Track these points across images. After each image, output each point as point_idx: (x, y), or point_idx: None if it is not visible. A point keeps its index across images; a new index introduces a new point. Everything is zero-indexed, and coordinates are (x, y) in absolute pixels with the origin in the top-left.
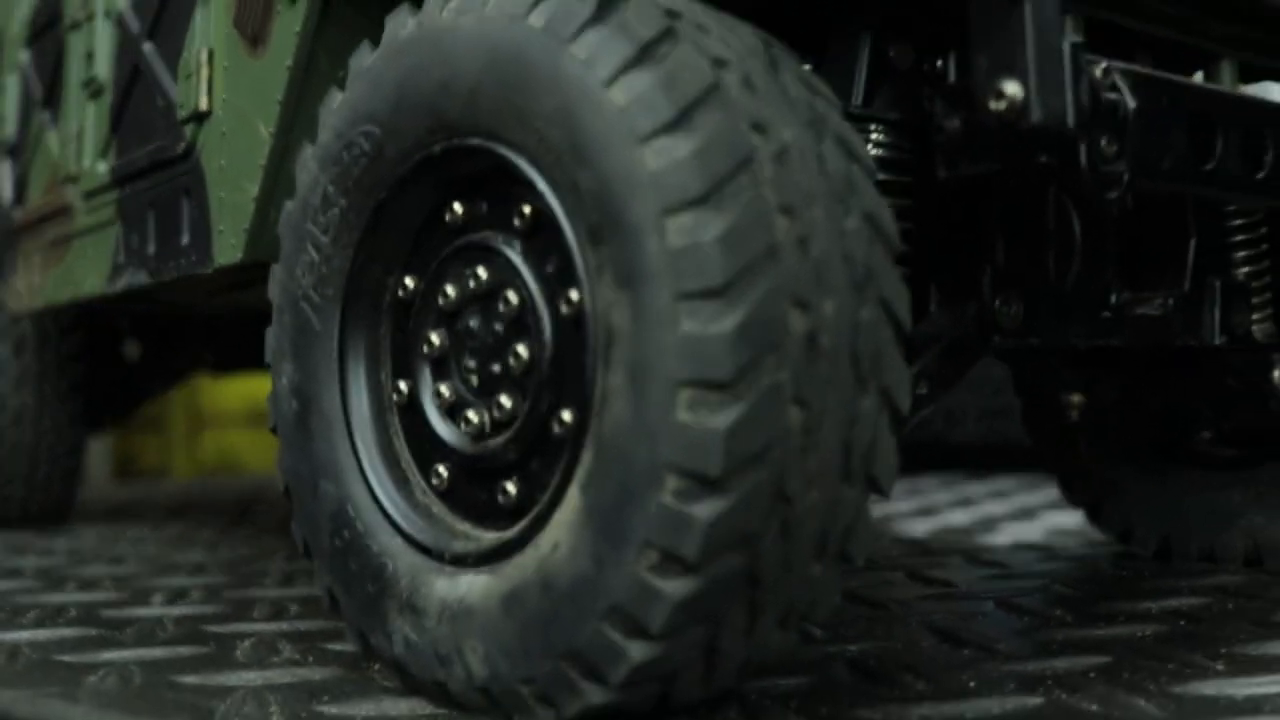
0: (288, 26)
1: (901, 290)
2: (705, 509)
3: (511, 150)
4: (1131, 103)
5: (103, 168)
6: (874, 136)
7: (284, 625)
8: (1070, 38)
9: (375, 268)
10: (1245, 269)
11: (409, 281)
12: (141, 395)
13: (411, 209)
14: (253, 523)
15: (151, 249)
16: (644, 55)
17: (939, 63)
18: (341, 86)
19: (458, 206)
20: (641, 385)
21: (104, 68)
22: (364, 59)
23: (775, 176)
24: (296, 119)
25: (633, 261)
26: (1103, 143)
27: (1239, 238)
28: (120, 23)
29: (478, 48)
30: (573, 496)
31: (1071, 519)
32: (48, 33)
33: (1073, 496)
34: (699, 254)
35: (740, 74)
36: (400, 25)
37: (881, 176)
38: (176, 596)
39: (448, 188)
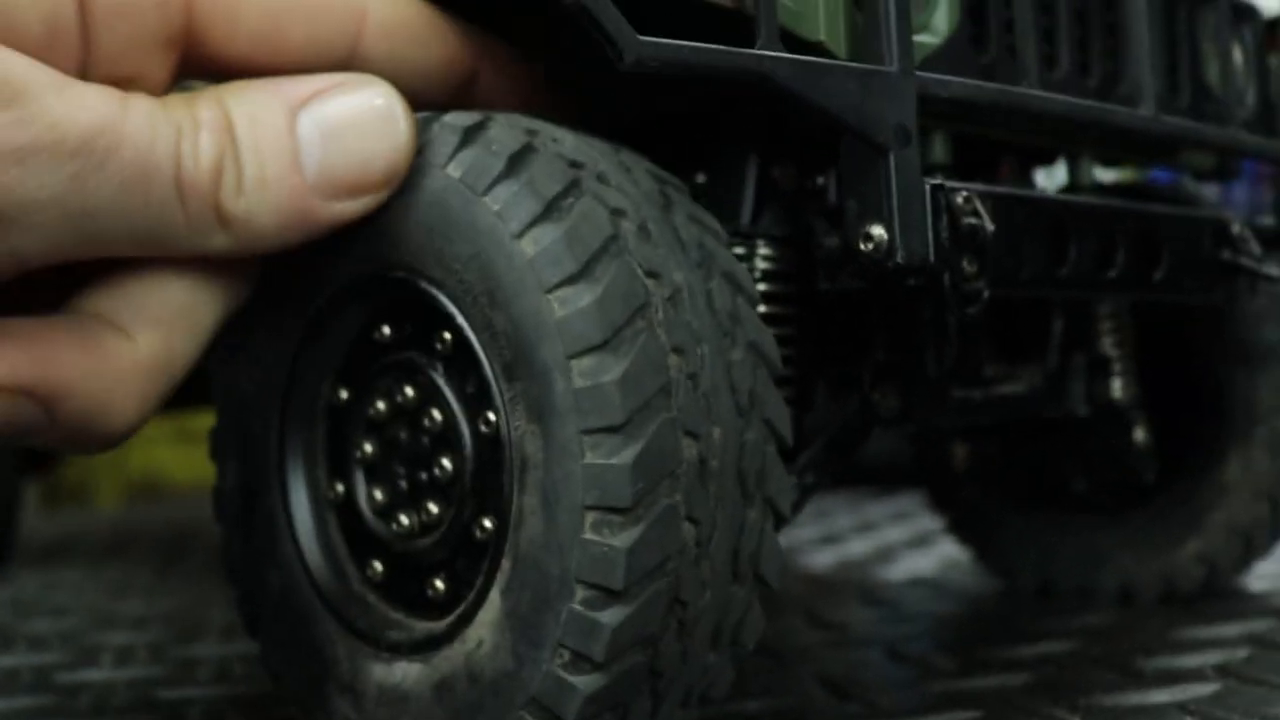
0: None
1: (782, 410)
2: (610, 616)
3: (433, 286)
4: (990, 226)
5: None
6: (761, 252)
7: (230, 689)
8: (930, 181)
9: (311, 376)
10: (1108, 342)
11: (343, 392)
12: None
13: (344, 325)
14: (187, 562)
15: None
16: (550, 210)
17: (820, 181)
18: None
19: (386, 327)
20: (552, 507)
21: None
22: None
23: (668, 319)
24: None
25: (542, 398)
26: (964, 265)
27: (1103, 314)
28: None
29: (403, 189)
30: (494, 599)
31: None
32: None
33: (961, 538)
34: (600, 394)
35: (636, 222)
36: None
37: (769, 288)
38: (124, 657)
39: (377, 310)
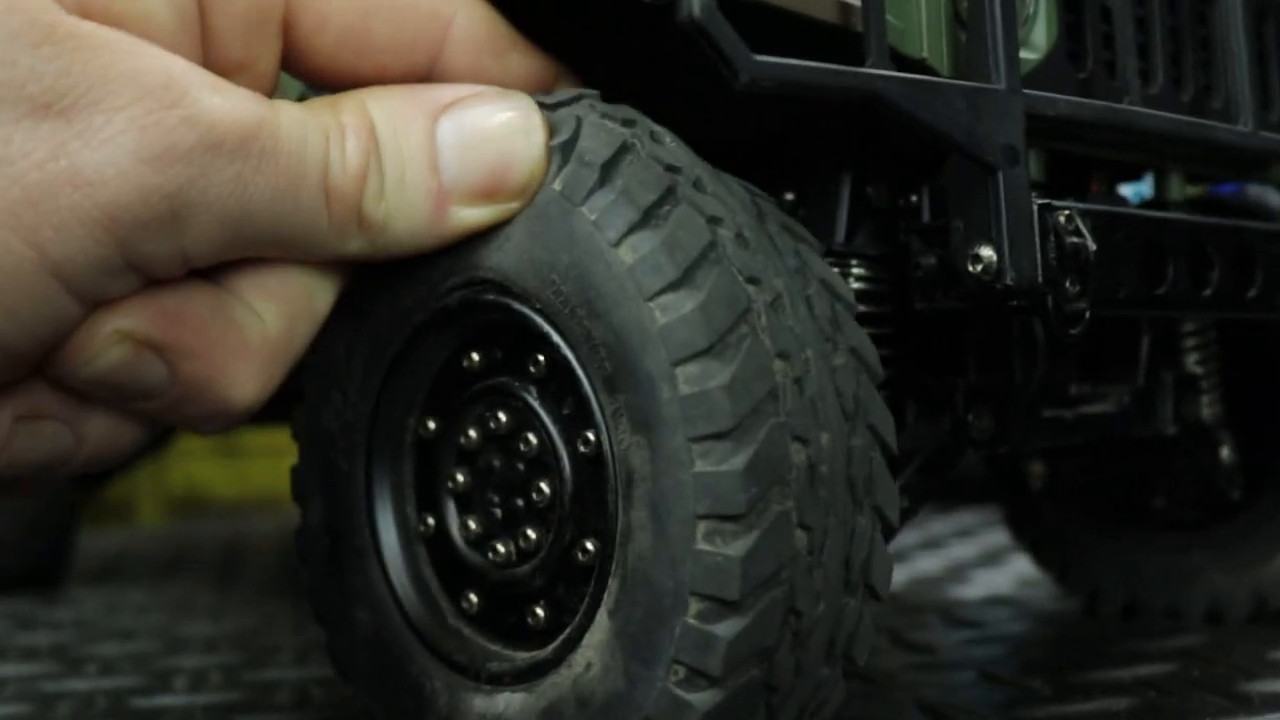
0: None
1: (887, 416)
2: (726, 628)
3: (527, 303)
4: (1093, 246)
5: None
6: (855, 271)
7: (312, 715)
8: (1038, 200)
9: (397, 412)
10: (1195, 360)
11: (431, 423)
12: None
13: (430, 354)
14: (244, 581)
15: None
16: (647, 217)
17: (914, 199)
18: None
19: (475, 354)
20: (663, 520)
21: None
22: None
23: (770, 324)
24: None
25: (648, 408)
26: (1067, 285)
27: (1189, 332)
28: None
29: None
30: (602, 620)
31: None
32: None
33: (1041, 561)
34: (708, 401)
35: (733, 229)
36: None
37: (863, 308)
38: (198, 682)
39: (465, 337)
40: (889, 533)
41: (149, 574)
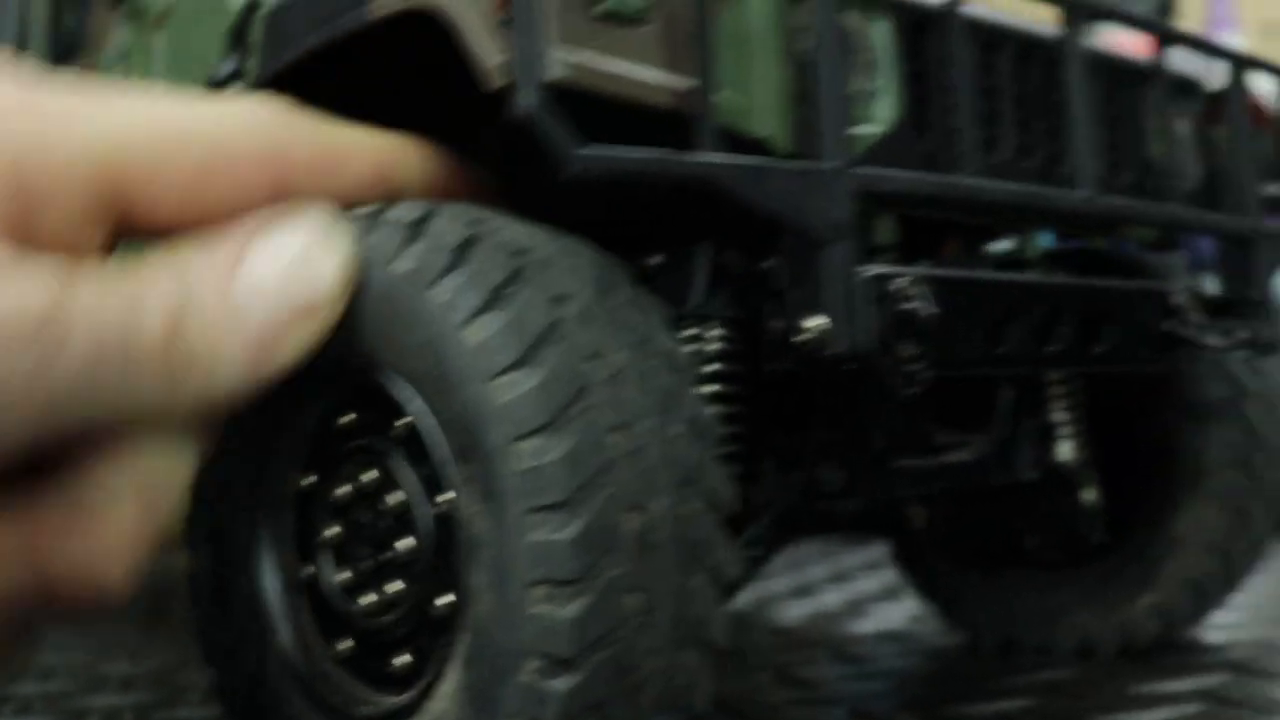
0: None
1: (723, 480)
2: (561, 684)
3: (388, 374)
4: (932, 310)
5: None
6: (712, 333)
7: None
8: (869, 271)
9: (279, 466)
10: (1059, 408)
11: (310, 477)
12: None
13: (308, 414)
14: (172, 618)
15: None
16: (493, 300)
17: (767, 265)
18: None
19: (348, 415)
20: (504, 583)
21: None
22: None
23: (608, 399)
24: None
25: (491, 480)
26: (904, 348)
27: (1053, 381)
28: None
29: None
30: (453, 672)
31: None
32: None
33: (925, 595)
34: (544, 474)
35: (578, 307)
36: None
37: (719, 368)
38: None
39: (338, 398)
40: (726, 590)
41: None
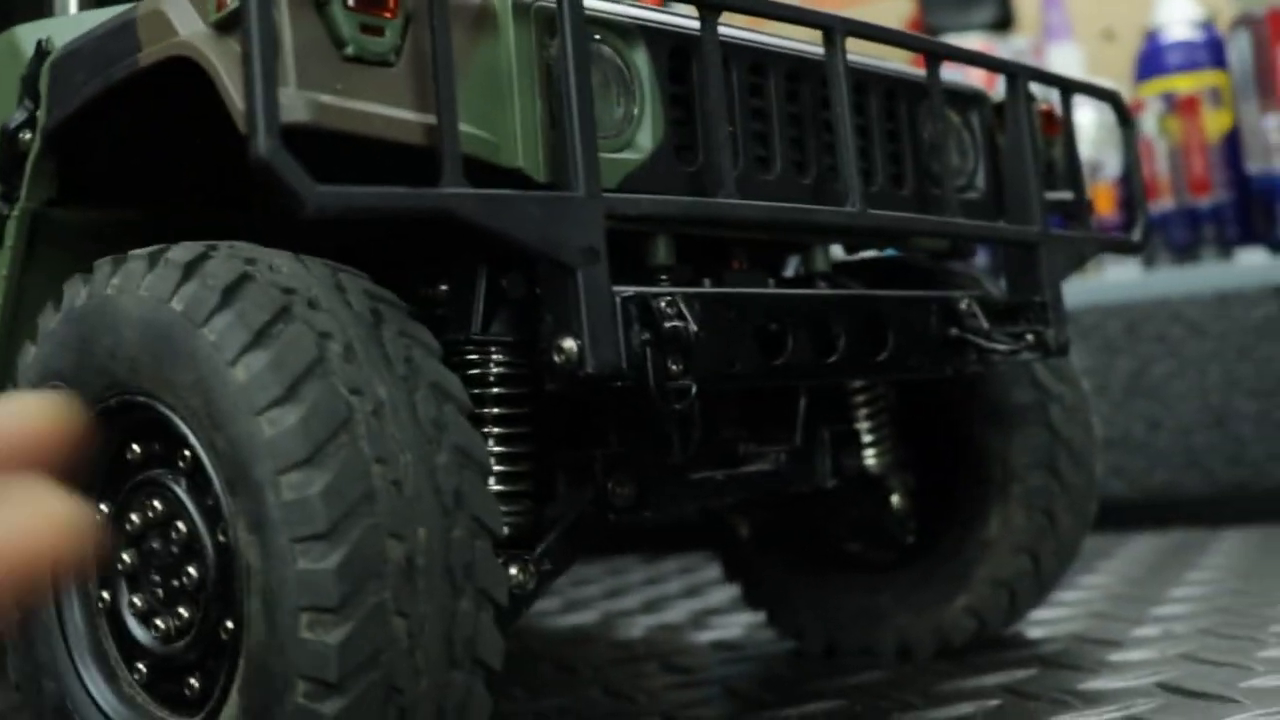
0: None
1: (492, 506)
2: (329, 707)
3: (167, 409)
4: (694, 328)
5: None
6: (494, 357)
7: None
8: (621, 293)
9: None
10: (860, 414)
11: (104, 507)
12: None
13: (100, 447)
14: None
15: None
16: (259, 338)
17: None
18: (33, 340)
19: (136, 447)
20: (273, 610)
21: None
22: (49, 321)
23: (370, 432)
24: (11, 347)
25: (259, 512)
26: (669, 364)
27: (855, 389)
28: None
29: (135, 322)
30: (234, 696)
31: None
32: None
33: (752, 605)
34: (306, 506)
35: (343, 343)
36: (75, 294)
37: (502, 390)
38: None
39: (126, 431)
40: (498, 611)
41: None
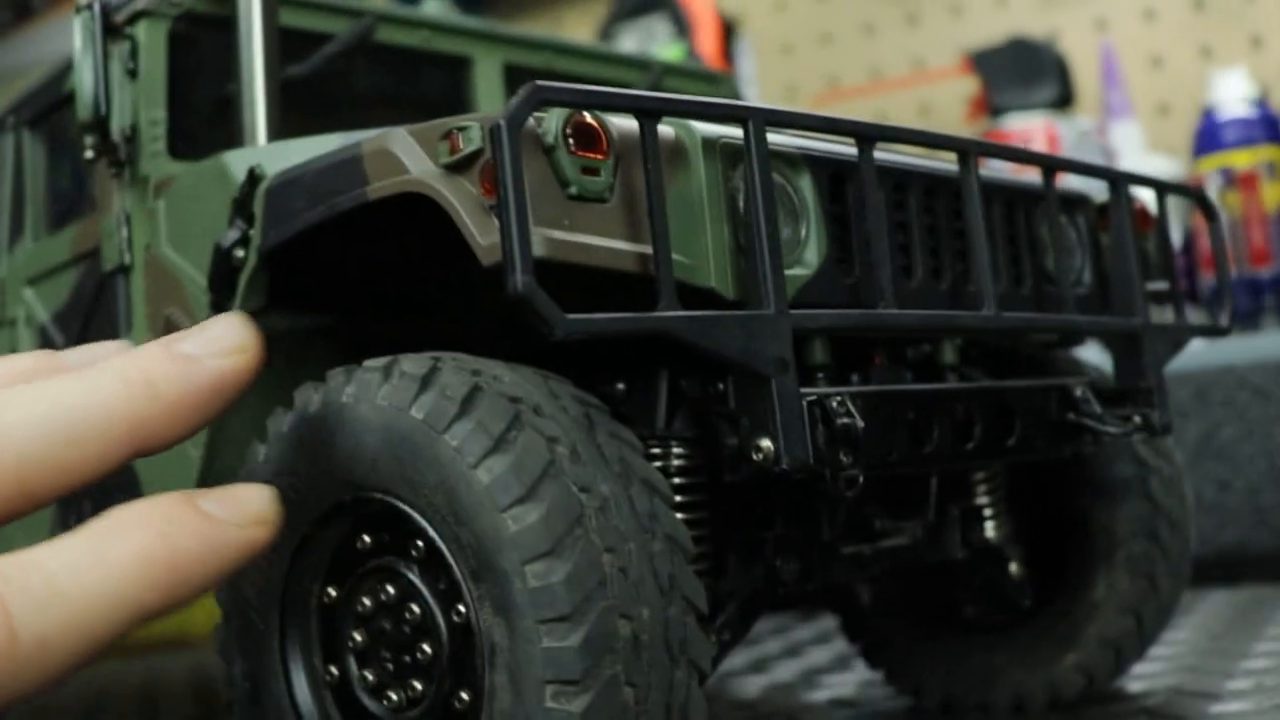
0: None
1: (698, 588)
2: None
3: (406, 505)
4: (861, 423)
5: None
6: (675, 452)
7: None
8: (808, 396)
9: (304, 581)
10: (981, 490)
11: (331, 590)
12: None
13: (329, 536)
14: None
15: None
16: (498, 444)
17: (720, 387)
18: (261, 439)
19: (366, 537)
20: (519, 682)
21: None
22: (280, 424)
23: (599, 525)
24: (220, 446)
25: (505, 597)
26: (840, 457)
27: (976, 468)
28: (43, 332)
29: (375, 428)
30: None
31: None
32: None
33: (872, 662)
34: (550, 592)
35: (569, 446)
36: (309, 400)
37: (683, 481)
38: None
39: (357, 522)
40: (703, 679)
41: None
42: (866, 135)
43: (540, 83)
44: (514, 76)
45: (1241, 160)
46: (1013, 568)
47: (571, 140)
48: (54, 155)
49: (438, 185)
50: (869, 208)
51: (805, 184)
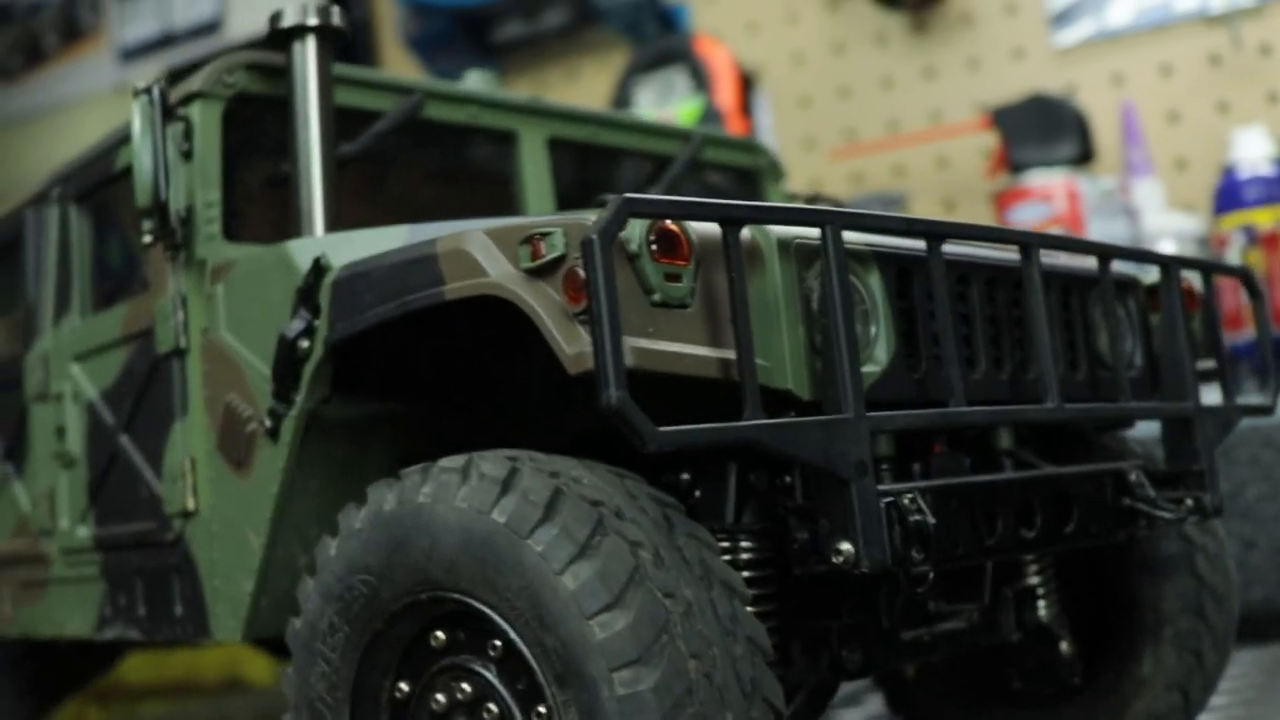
0: (271, 461)
1: (777, 689)
2: None
3: (485, 606)
4: (932, 520)
5: (83, 532)
6: (743, 544)
7: None
8: (885, 498)
9: (374, 675)
10: (1032, 571)
11: (403, 685)
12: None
13: (402, 632)
14: None
15: (142, 612)
16: (583, 550)
17: (788, 480)
18: (332, 533)
19: (440, 634)
20: None
21: (77, 445)
22: (353, 520)
23: (684, 631)
24: (281, 533)
25: (592, 703)
26: (913, 554)
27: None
28: (91, 410)
29: (454, 529)
30: None
31: None
32: (6, 394)
33: None
34: (639, 700)
35: (651, 550)
36: (383, 499)
37: (750, 574)
38: None
39: (431, 619)
40: None
41: None
42: (938, 234)
43: (630, 195)
44: (558, 149)
45: (1264, 219)
46: (1063, 646)
47: (654, 247)
48: (101, 232)
49: (520, 290)
50: (938, 305)
51: (875, 281)
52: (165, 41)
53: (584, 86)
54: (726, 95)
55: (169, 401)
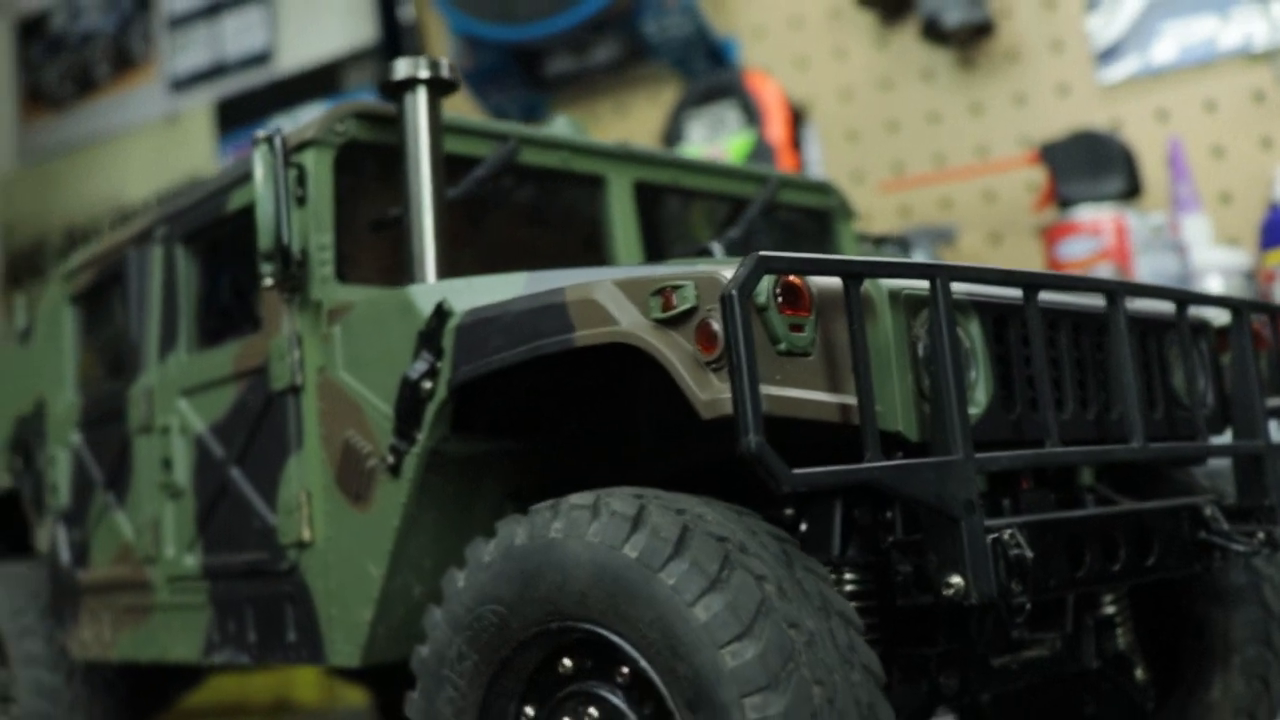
0: (392, 495)
1: (890, 712)
2: None
3: (617, 636)
4: (1030, 554)
5: (190, 560)
6: (848, 577)
7: None
8: (991, 534)
9: (501, 701)
10: (1110, 602)
11: (529, 709)
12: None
13: (529, 659)
14: None
15: (253, 638)
16: (714, 584)
17: (889, 515)
18: (458, 565)
19: (567, 661)
20: None
21: (183, 477)
22: (482, 553)
23: (808, 659)
24: (400, 564)
25: None
26: (1013, 586)
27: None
28: (200, 443)
29: (585, 564)
30: None
31: None
32: (107, 426)
33: None
34: None
35: (775, 583)
36: (513, 533)
37: (855, 605)
38: None
39: (558, 647)
40: None
41: None
42: (1033, 284)
43: (764, 254)
44: (642, 192)
45: None
46: (1138, 673)
47: (780, 299)
48: (208, 272)
49: (652, 339)
50: (1034, 350)
51: (974, 328)
52: (216, 71)
53: (634, 121)
54: (777, 130)
55: (283, 437)
